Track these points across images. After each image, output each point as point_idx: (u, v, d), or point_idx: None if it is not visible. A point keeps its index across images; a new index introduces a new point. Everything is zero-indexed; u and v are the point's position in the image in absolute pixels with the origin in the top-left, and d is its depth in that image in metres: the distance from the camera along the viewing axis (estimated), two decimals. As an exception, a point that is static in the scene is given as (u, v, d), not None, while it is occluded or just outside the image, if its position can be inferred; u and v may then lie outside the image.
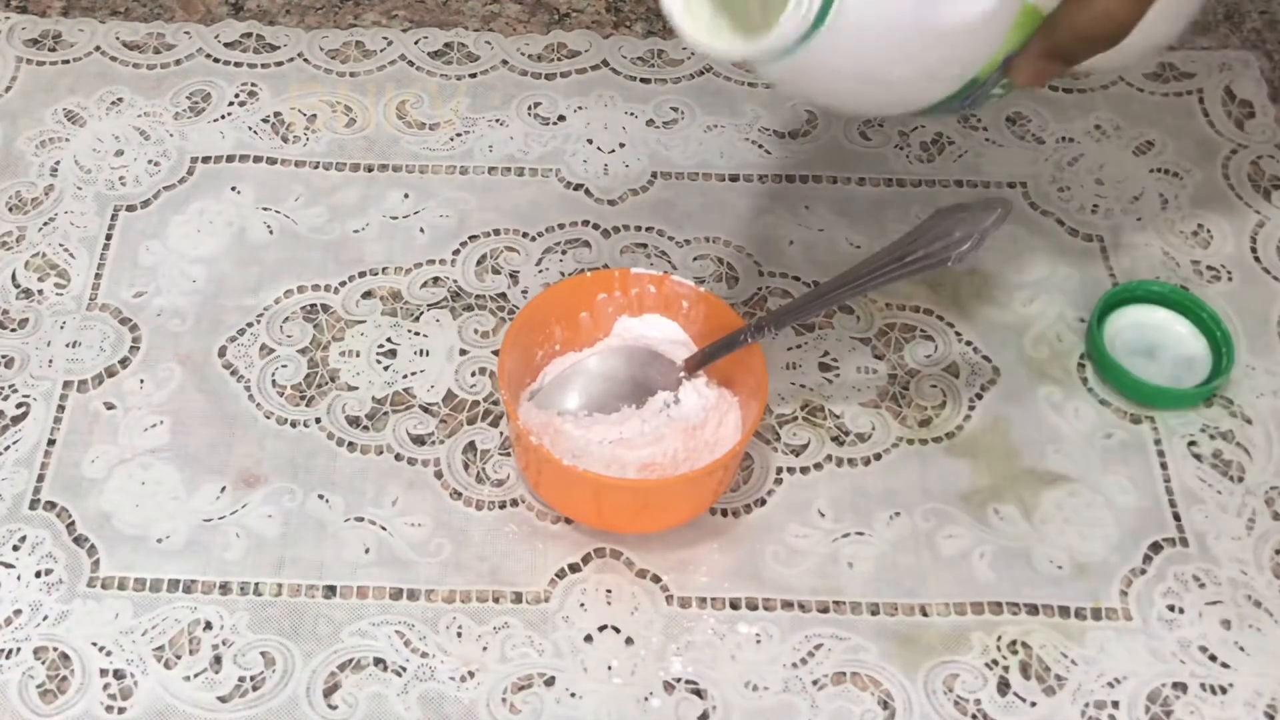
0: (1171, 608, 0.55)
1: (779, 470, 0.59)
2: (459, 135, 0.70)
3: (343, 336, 0.62)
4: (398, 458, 0.58)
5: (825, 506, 0.58)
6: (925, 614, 0.55)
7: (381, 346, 0.62)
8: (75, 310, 0.62)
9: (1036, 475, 0.59)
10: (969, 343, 0.63)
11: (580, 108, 0.71)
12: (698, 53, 0.48)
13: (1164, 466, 0.59)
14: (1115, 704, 0.53)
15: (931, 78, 0.48)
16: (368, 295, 0.64)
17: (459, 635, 0.54)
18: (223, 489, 0.57)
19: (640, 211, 0.67)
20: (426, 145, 0.69)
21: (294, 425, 0.59)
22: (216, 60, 0.72)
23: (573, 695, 0.52)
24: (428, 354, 0.62)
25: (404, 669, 0.53)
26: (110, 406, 0.59)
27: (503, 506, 0.57)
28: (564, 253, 0.65)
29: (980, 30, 0.47)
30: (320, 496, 0.57)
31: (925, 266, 0.54)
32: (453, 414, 0.60)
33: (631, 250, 0.65)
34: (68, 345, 0.61)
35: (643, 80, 0.73)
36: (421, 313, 0.63)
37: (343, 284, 0.64)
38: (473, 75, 0.72)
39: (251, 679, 0.52)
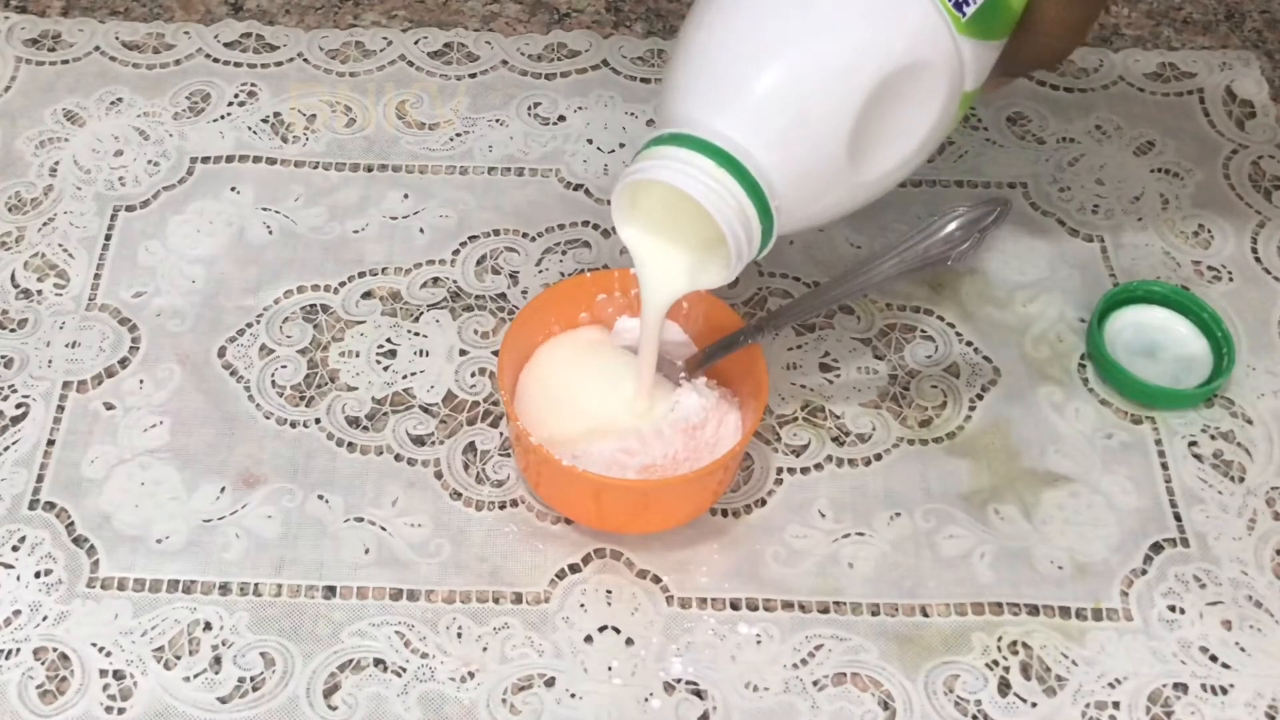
0: (1172, 608, 0.55)
1: (779, 470, 0.59)
2: (459, 135, 0.70)
3: (342, 337, 0.62)
4: (397, 458, 0.58)
5: (825, 507, 0.58)
6: (926, 614, 0.55)
7: (381, 347, 0.62)
8: (74, 310, 0.62)
9: (1037, 475, 0.59)
10: (969, 343, 0.63)
11: (580, 108, 0.71)
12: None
13: (1165, 467, 0.59)
14: (1116, 705, 0.53)
15: (902, 178, 0.53)
16: (367, 295, 0.63)
17: (459, 636, 0.54)
18: (222, 489, 0.57)
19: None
20: (426, 145, 0.69)
21: (294, 425, 0.59)
22: (216, 60, 0.72)
23: (573, 696, 0.52)
24: (427, 354, 0.62)
25: (404, 669, 0.53)
26: (110, 407, 0.59)
27: (503, 507, 0.57)
28: (564, 253, 0.65)
29: (925, 146, 0.52)
30: (320, 497, 0.57)
31: (925, 266, 0.55)
32: (453, 414, 0.60)
33: (631, 250, 0.65)
34: (67, 345, 0.61)
35: (643, 80, 0.73)
36: (421, 313, 0.63)
37: (342, 284, 0.64)
38: (473, 75, 0.72)
39: (251, 679, 0.52)
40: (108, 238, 0.65)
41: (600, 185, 0.68)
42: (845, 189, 0.50)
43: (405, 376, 0.61)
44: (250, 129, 0.69)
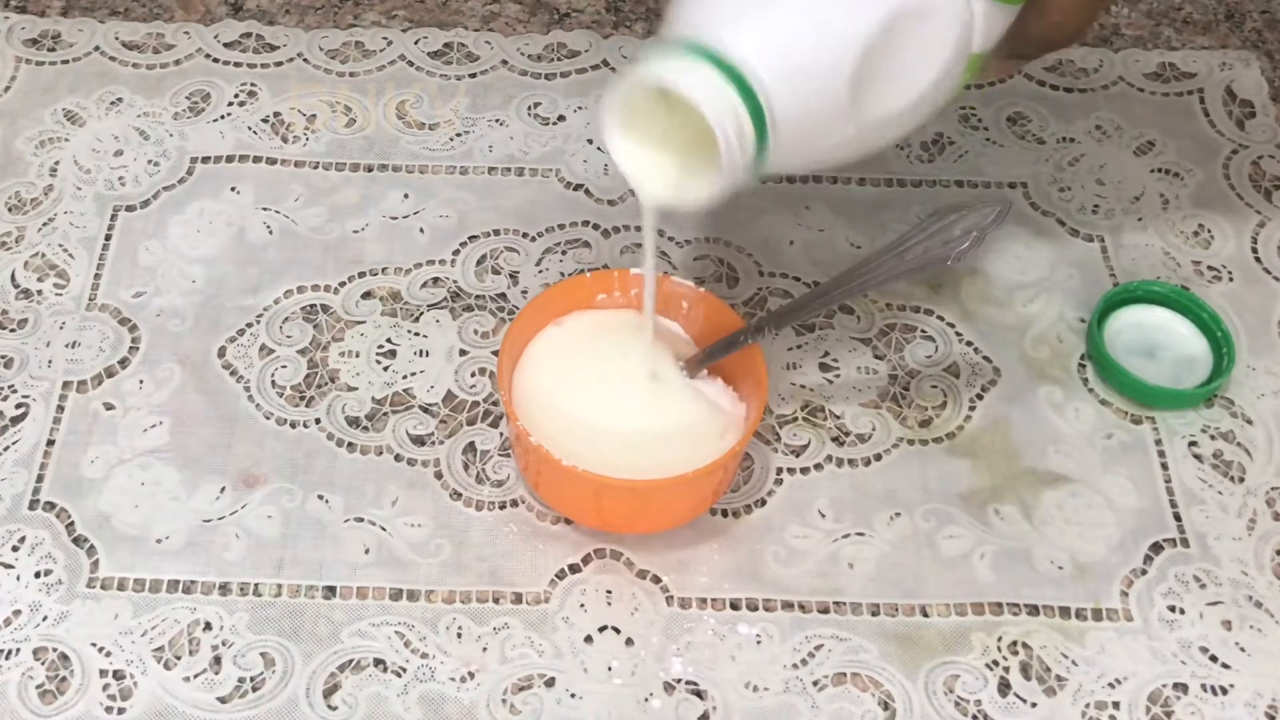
0: (1172, 608, 0.55)
1: (779, 470, 0.59)
2: (459, 135, 0.70)
3: (342, 337, 0.62)
4: (397, 458, 0.58)
5: (825, 507, 0.58)
6: (925, 614, 0.55)
7: (381, 347, 0.62)
8: (74, 310, 0.62)
9: (1037, 475, 0.59)
10: (969, 343, 0.63)
11: (580, 108, 0.71)
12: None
13: (1164, 467, 0.59)
14: (1116, 705, 0.53)
15: (899, 136, 0.51)
16: (367, 295, 0.63)
17: (459, 636, 0.54)
18: (222, 489, 0.57)
19: (640, 212, 0.67)
20: (426, 145, 0.69)
21: (294, 425, 0.59)
22: (216, 60, 0.72)
23: (573, 696, 0.52)
24: (427, 354, 0.62)
25: (404, 670, 0.53)
26: (110, 407, 0.59)
27: (503, 507, 0.57)
28: (564, 253, 0.65)
29: (927, 98, 0.50)
30: (320, 497, 0.57)
31: (925, 266, 0.55)
32: (453, 414, 0.60)
33: (631, 250, 0.65)
34: (67, 345, 0.61)
35: (643, 80, 0.73)
36: (421, 313, 0.63)
37: (342, 284, 0.64)
38: (473, 75, 0.72)
39: (251, 680, 0.52)
40: (108, 238, 0.65)
41: (600, 185, 0.68)
42: (842, 126, 0.49)
43: (405, 376, 0.61)
44: (250, 129, 0.69)
